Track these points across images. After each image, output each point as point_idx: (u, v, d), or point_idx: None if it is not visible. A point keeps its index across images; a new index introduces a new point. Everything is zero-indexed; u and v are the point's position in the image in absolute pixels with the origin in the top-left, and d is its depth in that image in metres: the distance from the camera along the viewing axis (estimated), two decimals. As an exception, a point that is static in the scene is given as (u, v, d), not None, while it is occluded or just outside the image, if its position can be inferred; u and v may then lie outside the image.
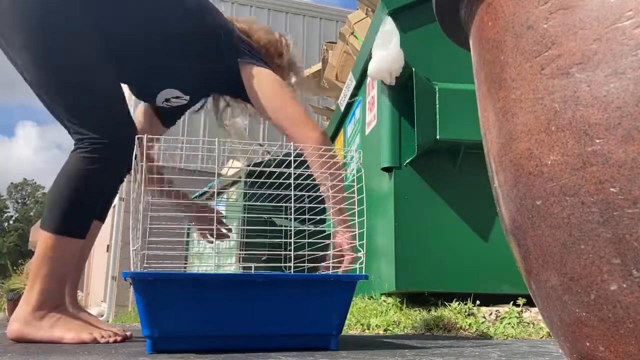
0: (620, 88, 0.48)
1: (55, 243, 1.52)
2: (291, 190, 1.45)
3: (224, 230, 1.88)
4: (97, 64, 1.60)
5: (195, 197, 5.22)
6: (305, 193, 1.52)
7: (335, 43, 4.46)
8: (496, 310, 2.03)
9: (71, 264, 1.60)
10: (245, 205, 4.09)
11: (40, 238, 1.54)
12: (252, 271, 1.42)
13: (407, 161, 2.23)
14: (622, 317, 0.50)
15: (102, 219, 1.83)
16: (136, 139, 1.36)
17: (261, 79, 1.71)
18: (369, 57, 2.58)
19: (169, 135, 2.07)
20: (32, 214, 37.38)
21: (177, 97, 1.83)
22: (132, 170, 1.76)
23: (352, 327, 2.17)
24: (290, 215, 1.51)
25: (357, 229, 1.46)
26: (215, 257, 1.64)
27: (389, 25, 2.23)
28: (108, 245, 8.51)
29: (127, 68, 1.73)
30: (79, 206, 1.56)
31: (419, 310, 2.13)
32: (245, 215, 1.94)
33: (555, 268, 0.55)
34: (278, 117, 1.69)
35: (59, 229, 1.53)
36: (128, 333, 1.63)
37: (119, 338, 1.54)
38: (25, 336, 1.48)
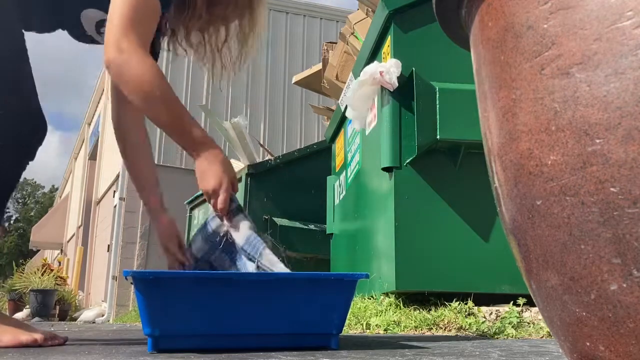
0: (620, 88, 0.49)
1: None
2: None
3: (179, 257, 1.45)
4: None
5: (194, 198, 5.20)
6: None
7: (336, 43, 4.46)
8: (496, 310, 2.03)
9: None
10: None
11: None
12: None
13: (408, 161, 2.23)
14: (622, 317, 0.50)
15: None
16: None
17: None
18: (370, 58, 2.58)
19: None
20: (32, 214, 37.37)
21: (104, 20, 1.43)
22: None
23: (352, 327, 2.17)
24: None
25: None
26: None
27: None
28: (109, 245, 8.52)
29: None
30: None
31: (419, 309, 2.13)
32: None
33: (556, 268, 0.55)
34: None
35: None
36: (64, 336, 1.47)
37: (56, 341, 1.39)
38: None
